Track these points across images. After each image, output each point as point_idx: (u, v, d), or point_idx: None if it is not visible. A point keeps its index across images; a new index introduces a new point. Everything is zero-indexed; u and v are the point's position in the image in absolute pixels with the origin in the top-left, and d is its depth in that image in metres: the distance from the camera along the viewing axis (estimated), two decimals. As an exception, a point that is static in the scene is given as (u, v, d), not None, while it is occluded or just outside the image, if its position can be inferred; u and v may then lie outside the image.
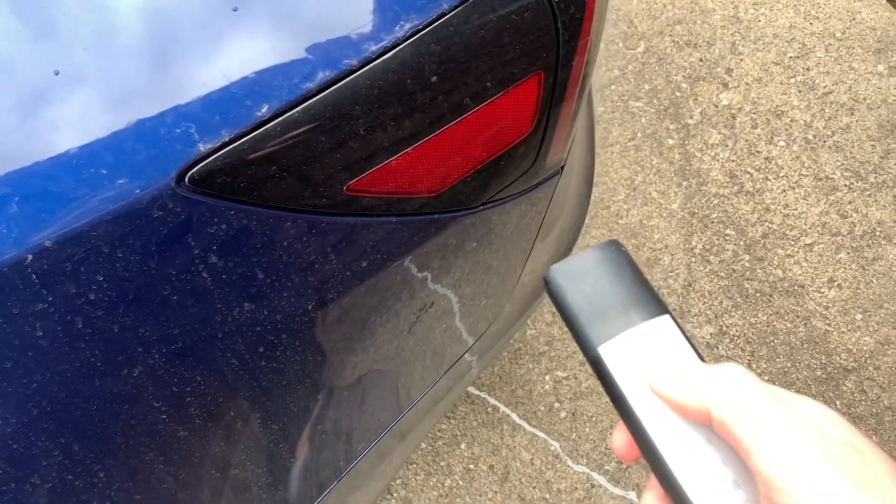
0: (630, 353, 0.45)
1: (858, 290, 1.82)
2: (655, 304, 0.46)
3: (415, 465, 1.71)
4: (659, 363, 0.44)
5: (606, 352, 0.45)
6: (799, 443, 0.38)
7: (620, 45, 2.18)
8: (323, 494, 0.95)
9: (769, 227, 1.90)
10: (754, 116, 2.04)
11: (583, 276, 0.47)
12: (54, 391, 0.57)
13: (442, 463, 1.71)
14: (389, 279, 0.76)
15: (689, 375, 0.42)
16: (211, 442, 0.71)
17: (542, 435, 1.73)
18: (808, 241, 1.88)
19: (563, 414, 1.75)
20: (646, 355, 0.44)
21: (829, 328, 1.79)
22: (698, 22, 2.19)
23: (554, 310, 1.84)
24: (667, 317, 0.46)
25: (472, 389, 1.78)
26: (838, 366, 1.76)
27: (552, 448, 1.71)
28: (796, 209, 1.92)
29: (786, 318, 1.81)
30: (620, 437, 0.45)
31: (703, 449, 0.42)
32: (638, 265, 0.48)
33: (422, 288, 0.83)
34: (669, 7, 2.22)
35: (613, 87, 2.13)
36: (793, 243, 1.88)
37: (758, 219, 1.91)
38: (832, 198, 1.92)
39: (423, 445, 1.73)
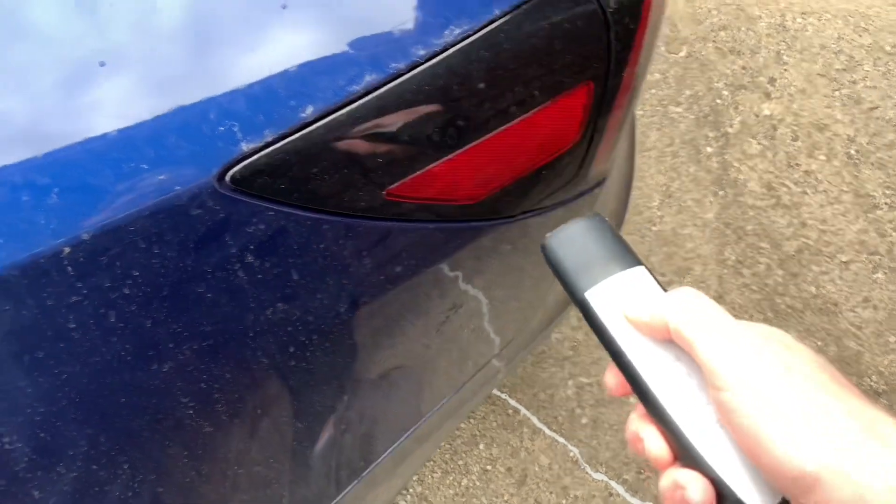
0: (611, 295, 0.53)
1: (894, 312, 1.78)
2: (632, 259, 0.55)
3: (432, 463, 1.70)
4: (633, 299, 0.52)
5: (591, 295, 0.53)
6: (736, 335, 0.45)
7: (662, 48, 2.15)
8: (343, 492, 0.94)
9: (805, 243, 1.87)
10: (796, 128, 2.00)
11: (573, 240, 0.56)
12: (83, 383, 0.57)
13: (460, 462, 1.71)
14: (421, 278, 0.75)
15: (652, 300, 0.50)
16: (235, 438, 0.71)
17: (561, 440, 1.71)
18: (844, 259, 1.84)
19: (584, 420, 1.73)
20: (624, 295, 0.52)
21: (861, 349, 1.75)
22: (743, 29, 2.15)
23: (580, 315, 1.82)
24: (641, 267, 0.54)
25: (493, 390, 1.77)
26: (869, 388, 1.72)
27: (571, 454, 1.70)
28: (834, 225, 1.88)
29: (817, 335, 1.77)
30: (611, 375, 0.53)
31: (671, 364, 0.49)
32: (616, 231, 0.57)
33: (452, 287, 0.82)
34: (714, 12, 2.18)
35: (653, 90, 2.10)
36: (828, 260, 1.84)
37: (794, 233, 1.88)
38: (872, 216, 1.88)
39: (442, 444, 1.72)
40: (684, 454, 0.47)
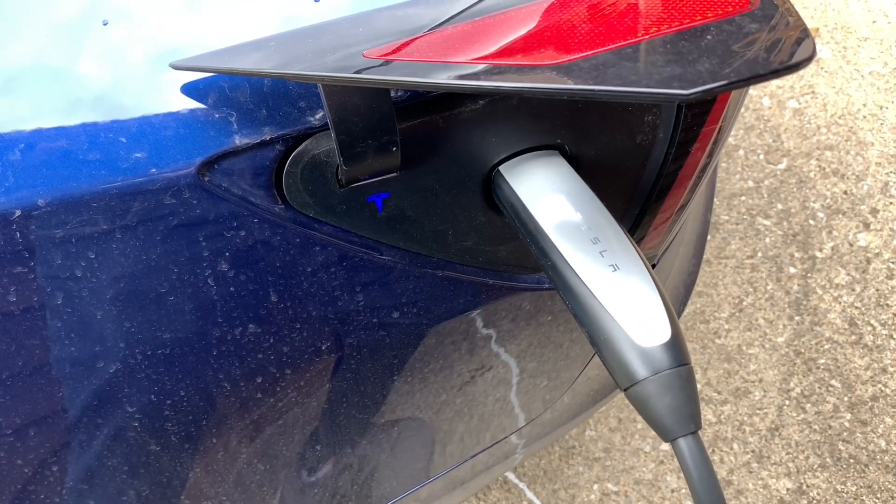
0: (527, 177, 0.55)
1: (971, 488, 1.58)
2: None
3: (431, 539, 1.59)
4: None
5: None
6: None
7: (761, 157, 2.04)
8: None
9: (881, 390, 1.70)
10: (892, 266, 1.84)
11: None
12: (18, 365, 0.51)
13: (460, 545, 1.58)
14: (449, 327, 0.67)
15: None
16: (185, 464, 0.64)
17: (573, 546, 1.57)
18: (923, 418, 1.66)
19: (602, 530, 1.59)
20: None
21: (926, 521, 1.56)
22: (852, 153, 2.02)
23: (621, 415, 1.70)
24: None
25: (510, 476, 1.65)
26: (928, 567, 1.52)
27: (581, 564, 1.56)
28: (918, 378, 1.70)
29: (878, 495, 1.59)
30: None
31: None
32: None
33: (484, 346, 0.74)
34: (824, 130, 2.06)
35: (744, 198, 1.98)
36: (905, 415, 1.67)
37: (870, 377, 1.71)
38: (963, 377, 1.70)
39: (445, 520, 1.60)
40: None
